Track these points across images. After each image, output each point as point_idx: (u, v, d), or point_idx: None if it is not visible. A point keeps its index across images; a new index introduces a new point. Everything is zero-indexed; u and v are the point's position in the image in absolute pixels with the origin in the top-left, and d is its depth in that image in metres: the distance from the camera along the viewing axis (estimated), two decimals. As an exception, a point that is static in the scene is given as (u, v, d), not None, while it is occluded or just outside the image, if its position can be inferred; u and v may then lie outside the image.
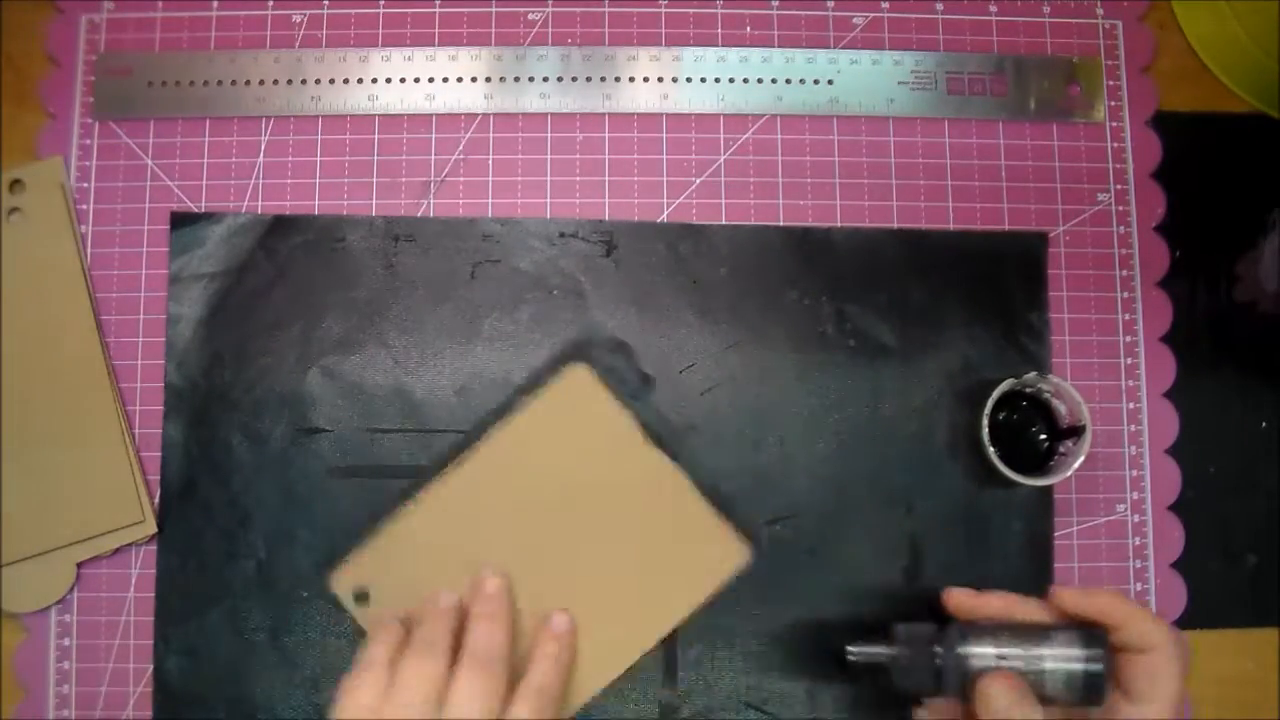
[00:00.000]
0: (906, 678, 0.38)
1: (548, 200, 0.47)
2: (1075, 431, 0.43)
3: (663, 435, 0.45)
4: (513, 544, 0.44)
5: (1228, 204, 0.48)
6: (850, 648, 0.39)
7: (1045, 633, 0.37)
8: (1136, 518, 0.46)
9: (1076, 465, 0.43)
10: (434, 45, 0.48)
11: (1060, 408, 0.45)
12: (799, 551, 0.45)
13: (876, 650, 0.39)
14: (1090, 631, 0.36)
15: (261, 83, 0.47)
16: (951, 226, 0.47)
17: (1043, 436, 0.46)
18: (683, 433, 0.45)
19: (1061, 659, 0.36)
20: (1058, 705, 0.36)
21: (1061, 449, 0.44)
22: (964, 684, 0.37)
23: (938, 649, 0.38)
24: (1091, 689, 0.36)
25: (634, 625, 0.44)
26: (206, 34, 0.48)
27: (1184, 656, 0.36)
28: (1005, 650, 0.37)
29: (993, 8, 0.49)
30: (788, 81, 0.48)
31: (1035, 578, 0.45)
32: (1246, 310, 0.47)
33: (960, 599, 0.40)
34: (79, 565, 0.44)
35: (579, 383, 0.45)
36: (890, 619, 0.40)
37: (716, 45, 0.48)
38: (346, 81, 0.47)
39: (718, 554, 0.45)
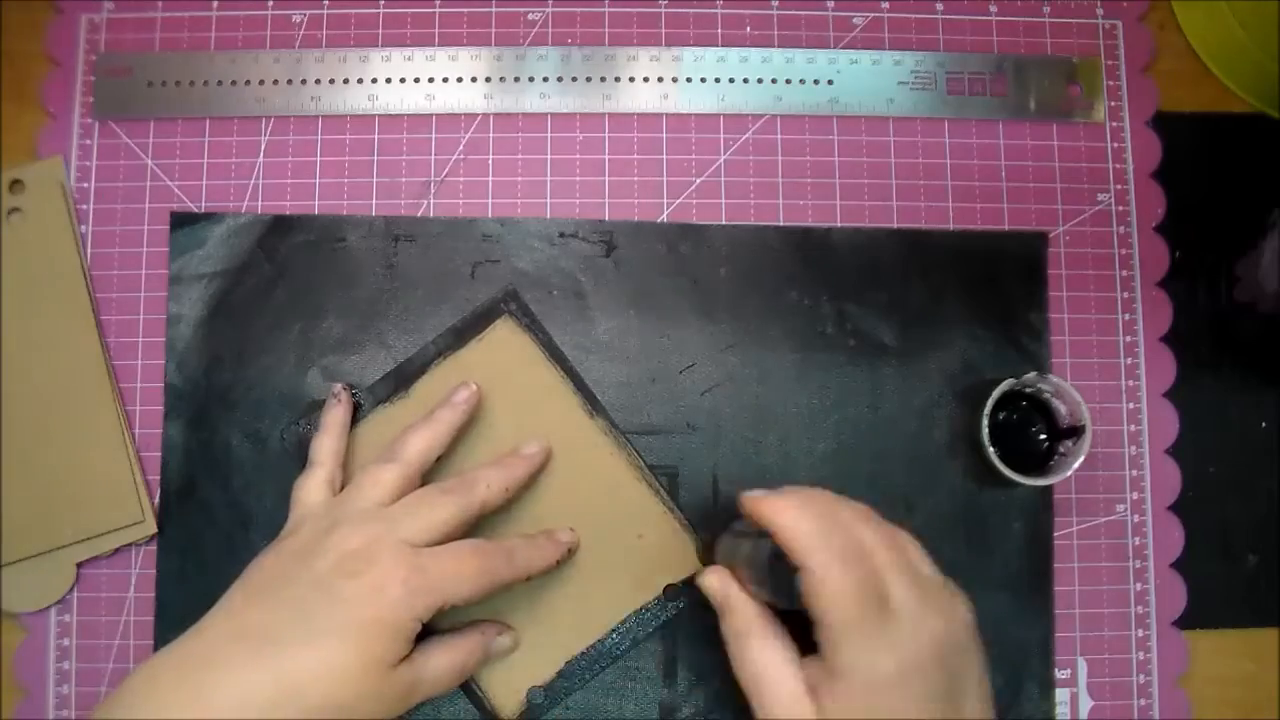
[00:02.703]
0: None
1: (548, 200, 0.47)
2: (1075, 431, 0.43)
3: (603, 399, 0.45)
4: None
5: (1228, 204, 0.48)
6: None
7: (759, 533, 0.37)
8: (1136, 518, 0.46)
9: (1076, 465, 0.43)
10: (434, 45, 0.48)
11: (1060, 408, 0.45)
12: (799, 551, 0.45)
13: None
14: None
15: (261, 83, 0.47)
16: (951, 226, 0.47)
17: (1043, 436, 0.46)
18: (683, 433, 0.45)
19: (747, 552, 0.37)
20: (772, 603, 0.37)
21: (1061, 449, 0.44)
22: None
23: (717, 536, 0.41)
24: (770, 586, 0.35)
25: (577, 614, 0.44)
26: (206, 34, 0.48)
27: (835, 580, 0.33)
28: (731, 542, 0.39)
29: (993, 8, 0.49)
30: (788, 81, 0.48)
31: (1035, 578, 0.45)
32: (1246, 310, 0.47)
33: (747, 497, 0.38)
34: (79, 565, 0.44)
35: (505, 338, 0.45)
36: None
37: (716, 45, 0.48)
38: (346, 81, 0.47)
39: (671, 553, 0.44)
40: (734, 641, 0.37)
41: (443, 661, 0.39)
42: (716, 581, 0.38)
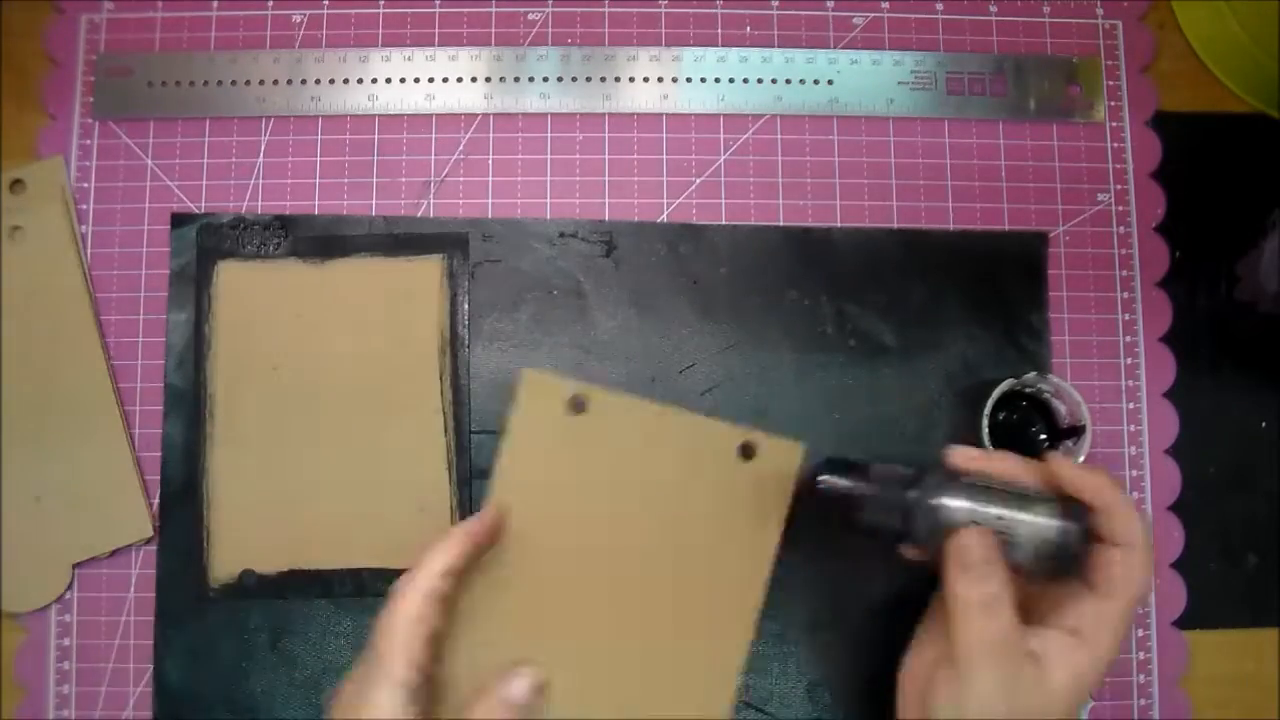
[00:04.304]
0: (874, 515, 0.36)
1: (548, 200, 0.47)
2: (1075, 431, 0.43)
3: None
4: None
5: (1228, 204, 0.48)
6: (821, 476, 0.37)
7: (1027, 499, 0.35)
8: (1136, 518, 0.46)
9: (1077, 465, 0.43)
10: (434, 45, 0.48)
11: (1060, 408, 0.45)
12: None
13: (848, 484, 0.37)
14: (1072, 507, 0.34)
15: (261, 83, 0.47)
16: (951, 226, 0.47)
17: (1043, 436, 0.46)
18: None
19: (1037, 527, 0.34)
20: (1024, 574, 0.35)
21: (1061, 449, 0.44)
22: (933, 534, 0.35)
23: (911, 493, 0.35)
24: (1060, 561, 0.34)
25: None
26: (206, 34, 0.48)
27: (1152, 562, 0.35)
28: (980, 507, 0.35)
29: (993, 8, 0.49)
30: (788, 81, 0.48)
31: (1035, 578, 0.45)
32: (1246, 310, 0.47)
33: (962, 456, 0.37)
34: (78, 565, 0.44)
35: (428, 272, 0.45)
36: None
37: (716, 45, 0.48)
38: (346, 81, 0.47)
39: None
40: (978, 608, 0.33)
41: None
42: (979, 543, 0.34)
